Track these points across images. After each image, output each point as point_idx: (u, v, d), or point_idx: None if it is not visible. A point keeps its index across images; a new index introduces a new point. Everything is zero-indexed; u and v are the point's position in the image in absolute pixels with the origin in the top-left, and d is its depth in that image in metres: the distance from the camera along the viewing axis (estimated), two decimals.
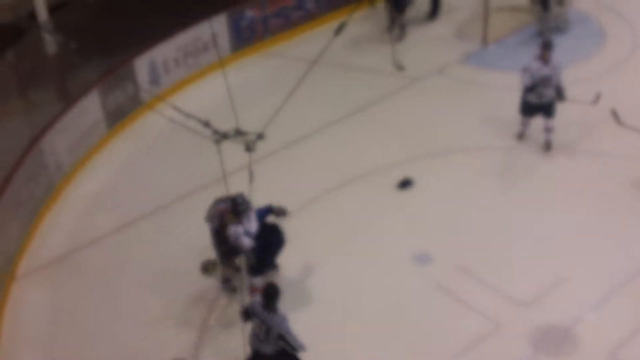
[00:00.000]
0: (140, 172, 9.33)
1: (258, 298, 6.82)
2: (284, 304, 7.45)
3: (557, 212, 9.41)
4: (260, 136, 5.47)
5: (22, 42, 10.64)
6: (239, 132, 5.35)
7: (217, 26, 13.23)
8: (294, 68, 12.84)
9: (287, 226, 9.25)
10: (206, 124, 5.58)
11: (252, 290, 7.93)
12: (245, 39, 13.82)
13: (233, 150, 5.69)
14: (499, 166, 9.28)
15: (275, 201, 8.74)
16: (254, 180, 5.57)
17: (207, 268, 8.10)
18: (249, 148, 5.40)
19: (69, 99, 11.25)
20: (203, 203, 7.97)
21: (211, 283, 8.27)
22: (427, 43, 13.91)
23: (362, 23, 14.58)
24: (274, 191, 9.41)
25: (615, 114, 9.70)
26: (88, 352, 8.05)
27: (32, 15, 10.80)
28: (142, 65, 12.08)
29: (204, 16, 12.84)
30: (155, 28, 12.71)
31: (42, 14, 11.25)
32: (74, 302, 8.86)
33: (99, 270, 9.09)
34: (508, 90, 11.48)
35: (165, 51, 12.53)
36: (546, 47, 10.13)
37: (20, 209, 9.57)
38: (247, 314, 6.78)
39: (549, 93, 10.22)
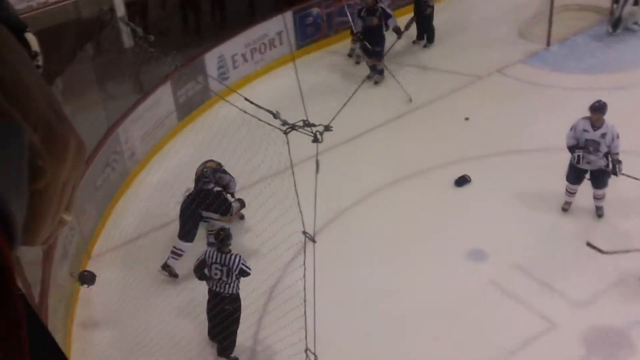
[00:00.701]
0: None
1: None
2: (341, 297, 7.77)
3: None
4: (327, 128, 5.74)
5: (101, 35, 11.17)
6: (307, 124, 5.65)
7: (284, 23, 13.62)
8: (358, 65, 13.22)
9: (346, 219, 9.57)
10: (276, 115, 5.90)
11: (174, 253, 9.10)
12: (309, 36, 14.17)
13: (298, 142, 5.98)
14: (559, 168, 9.28)
15: (336, 192, 9.05)
16: (319, 171, 5.85)
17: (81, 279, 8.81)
18: (316, 139, 5.67)
19: (143, 91, 11.85)
20: (269, 192, 8.32)
21: (276, 269, 8.60)
22: (489, 42, 13.86)
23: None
24: (336, 183, 9.72)
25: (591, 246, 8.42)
26: (151, 332, 8.50)
27: (112, 10, 11.34)
28: (212, 60, 12.58)
29: (271, 14, 13.27)
30: (226, 24, 13.21)
31: (120, 8, 11.83)
32: (141, 282, 9.36)
33: (165, 254, 9.53)
34: (571, 91, 11.44)
35: (234, 47, 13.00)
36: (594, 110, 8.84)
37: (97, 193, 10.17)
38: (203, 265, 7.80)
39: (597, 161, 8.92)
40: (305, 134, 5.76)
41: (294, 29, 13.87)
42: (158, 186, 10.91)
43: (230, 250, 7.79)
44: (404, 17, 13.57)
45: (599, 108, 8.80)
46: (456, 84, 12.60)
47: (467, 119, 11.20)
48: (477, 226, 9.48)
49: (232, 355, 8.17)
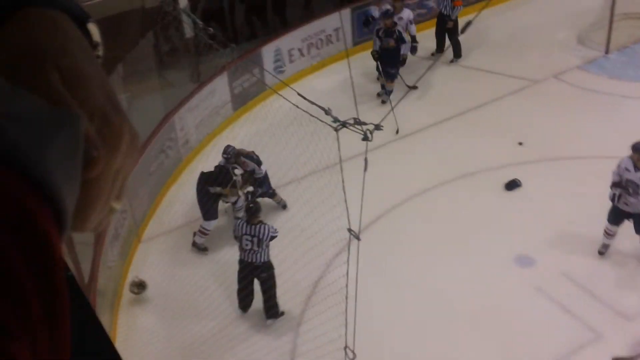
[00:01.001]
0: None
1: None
2: (384, 296, 7.81)
3: None
4: (378, 127, 5.79)
5: (163, 25, 11.42)
6: (358, 122, 5.71)
7: (342, 20, 13.69)
8: (413, 64, 13.20)
9: (392, 218, 9.58)
10: (327, 111, 5.98)
11: (200, 231, 9.60)
12: (366, 33, 14.19)
13: (348, 139, 6.05)
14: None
15: (383, 191, 9.07)
16: (367, 169, 5.91)
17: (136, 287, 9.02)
18: (366, 137, 5.73)
19: (200, 80, 12.07)
20: (317, 187, 8.41)
21: (320, 264, 8.69)
22: (546, 47, 13.72)
23: (486, 22, 14.57)
24: (384, 181, 9.75)
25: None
26: (196, 318, 8.71)
27: (175, 0, 11.56)
28: (269, 53, 12.73)
29: (329, 10, 13.35)
30: (284, 19, 13.34)
31: (182, 0, 12.07)
32: (188, 266, 9.57)
33: (213, 241, 9.68)
34: (629, 100, 11.25)
35: (291, 41, 13.13)
36: (635, 150, 8.28)
37: (150, 178, 10.41)
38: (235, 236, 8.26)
39: (637, 204, 8.39)
40: (355, 131, 5.82)
41: (351, 26, 13.92)
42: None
43: (259, 222, 8.22)
44: (426, 31, 13.60)
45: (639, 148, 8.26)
46: (511, 87, 12.53)
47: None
48: (525, 231, 9.40)
49: (280, 311, 8.55)
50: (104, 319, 8.29)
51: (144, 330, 8.78)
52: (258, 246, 8.19)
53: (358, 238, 6.10)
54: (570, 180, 10.16)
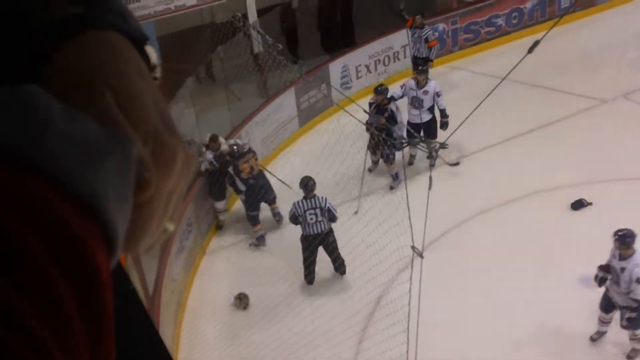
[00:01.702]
0: (325, 169, 9.94)
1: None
2: (447, 314, 7.76)
3: None
4: (443, 145, 5.81)
5: (233, 40, 11.65)
6: (423, 140, 5.74)
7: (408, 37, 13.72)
8: (479, 82, 13.11)
9: (455, 236, 9.51)
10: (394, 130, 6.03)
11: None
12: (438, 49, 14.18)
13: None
14: None
15: (447, 209, 9.01)
16: (431, 187, 5.92)
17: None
18: (431, 156, 5.75)
19: (268, 95, 12.25)
20: (382, 204, 8.40)
21: (384, 280, 8.68)
22: (617, 66, 13.49)
23: (555, 41, 14.38)
24: (449, 198, 9.70)
25: None
26: (258, 332, 8.81)
27: (245, 16, 11.79)
28: (336, 69, 12.85)
29: (397, 27, 13.39)
30: (352, 36, 13.45)
31: (253, 15, 12.30)
32: (250, 278, 9.68)
33: (273, 255, 9.77)
34: None
35: (358, 57, 13.23)
36: (615, 239, 7.67)
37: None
38: (295, 218, 8.97)
39: (620, 296, 7.69)
40: (421, 149, 5.84)
41: None
42: (276, 189, 11.20)
43: (315, 195, 8.97)
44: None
45: (618, 238, 7.60)
46: (580, 106, 12.36)
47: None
48: (590, 251, 9.13)
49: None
50: (168, 331, 8.46)
51: (207, 343, 8.91)
52: (322, 216, 8.93)
53: (421, 256, 6.10)
54: (638, 201, 9.91)
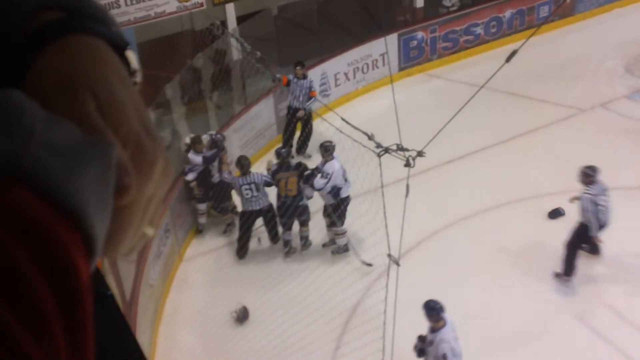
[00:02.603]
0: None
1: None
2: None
3: None
4: (420, 153, 5.82)
5: (212, 47, 11.62)
6: (400, 148, 5.75)
7: (388, 45, 13.71)
8: (458, 90, 13.16)
9: (431, 244, 9.50)
10: (370, 137, 6.03)
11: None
12: (412, 58, 14.26)
13: (391, 164, 6.07)
14: None
15: (424, 217, 9.01)
16: (408, 194, 5.93)
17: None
18: (408, 164, 5.77)
19: (246, 102, 12.24)
20: (358, 212, 8.41)
21: (360, 288, 8.68)
22: (595, 75, 13.57)
23: (534, 50, 14.47)
24: (426, 207, 9.71)
25: None
26: (235, 338, 8.76)
27: (224, 23, 11.77)
28: (314, 76, 12.84)
29: (376, 35, 13.44)
30: (330, 43, 13.47)
31: (232, 22, 12.28)
32: (228, 286, 9.61)
33: (255, 263, 9.72)
34: None
35: (337, 65, 13.25)
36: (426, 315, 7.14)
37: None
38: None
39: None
40: (398, 157, 5.86)
41: (397, 51, 13.99)
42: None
43: (250, 172, 9.45)
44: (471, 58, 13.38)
45: (425, 311, 7.12)
46: (558, 115, 12.42)
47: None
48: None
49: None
50: (145, 337, 8.40)
51: (184, 349, 8.86)
52: (257, 191, 9.42)
53: (397, 264, 6.10)
54: (615, 211, 9.95)
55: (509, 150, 11.66)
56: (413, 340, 7.82)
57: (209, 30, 11.13)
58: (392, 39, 13.86)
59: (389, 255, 6.15)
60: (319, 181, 9.12)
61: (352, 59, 13.42)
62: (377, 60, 13.62)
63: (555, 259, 9.25)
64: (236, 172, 9.89)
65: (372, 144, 6.10)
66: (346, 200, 9.26)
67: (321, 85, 12.97)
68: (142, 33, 11.59)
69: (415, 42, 14.19)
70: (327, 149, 9.14)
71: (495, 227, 9.98)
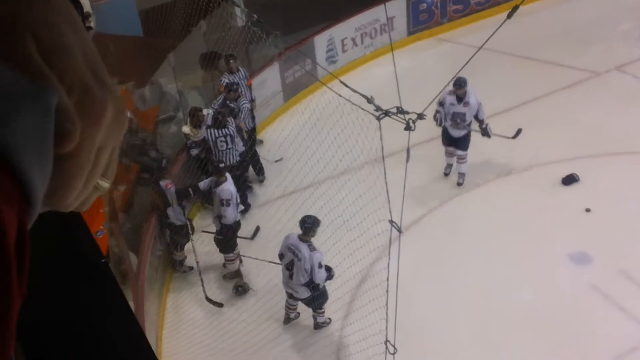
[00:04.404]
0: (306, 145, 9.71)
1: None
2: (429, 292, 7.57)
3: None
4: (421, 116, 5.60)
5: (214, 14, 11.39)
6: (400, 111, 5.54)
7: (397, 9, 13.49)
8: (468, 55, 12.83)
9: (441, 213, 9.32)
10: (370, 100, 5.82)
11: None
12: (422, 22, 13.96)
13: (395, 132, 5.85)
14: None
15: (434, 186, 8.79)
16: (409, 160, 5.73)
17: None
18: (408, 126, 5.55)
19: (251, 71, 12.01)
20: (359, 178, 8.19)
21: (364, 256, 8.52)
22: (610, 38, 13.27)
23: (547, 12, 14.15)
24: (433, 175, 9.51)
25: None
26: (240, 309, 8.67)
27: None
28: (321, 42, 12.61)
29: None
30: (337, 8, 13.17)
31: None
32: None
33: (264, 239, 9.57)
34: None
35: (344, 30, 12.98)
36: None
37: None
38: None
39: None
40: (398, 120, 5.64)
41: (406, 15, 13.69)
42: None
43: (226, 125, 9.60)
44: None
45: None
46: (572, 79, 12.16)
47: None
48: (582, 227, 9.13)
49: None
50: (152, 307, 8.34)
51: (191, 321, 8.77)
52: (232, 143, 9.60)
53: (399, 230, 5.91)
54: (630, 176, 9.82)
55: (523, 116, 11.37)
56: (420, 310, 7.71)
57: None
58: (401, 2, 13.59)
59: (391, 222, 5.95)
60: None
61: (360, 23, 13.14)
62: (385, 25, 13.33)
63: (569, 226, 9.05)
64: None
65: (371, 108, 5.87)
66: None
67: (328, 51, 12.73)
68: (143, 1, 11.38)
69: (424, 5, 13.89)
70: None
71: (509, 194, 9.83)
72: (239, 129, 10.00)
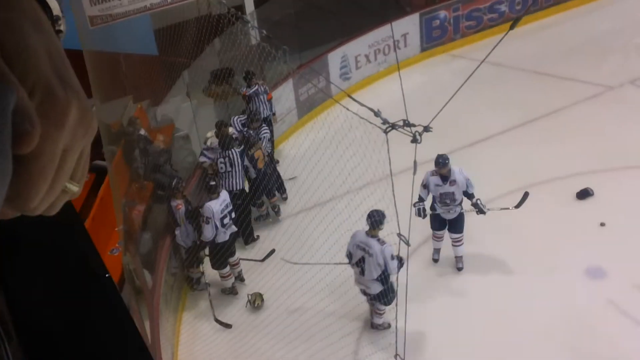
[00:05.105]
0: (319, 162, 9.73)
1: None
2: (440, 305, 7.51)
3: None
4: (427, 129, 5.64)
5: (228, 32, 11.50)
6: (407, 124, 5.58)
7: (410, 25, 13.53)
8: (482, 70, 12.80)
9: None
10: (377, 113, 5.85)
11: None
12: (435, 38, 13.99)
13: (405, 146, 5.84)
14: None
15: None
16: (416, 172, 5.75)
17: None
18: (415, 139, 5.59)
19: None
20: (367, 198, 8.17)
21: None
22: (624, 52, 13.22)
23: (562, 27, 14.13)
24: None
25: None
26: (258, 327, 8.66)
27: (240, 8, 11.63)
28: (335, 59, 12.68)
29: (398, 15, 13.19)
30: (350, 25, 13.26)
31: (249, 7, 12.14)
32: (249, 275, 9.51)
33: (280, 250, 9.56)
34: None
35: (357, 47, 13.05)
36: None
37: None
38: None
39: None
40: (404, 133, 5.67)
41: (419, 32, 13.74)
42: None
43: (233, 147, 9.51)
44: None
45: None
46: (586, 93, 12.10)
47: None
48: (597, 242, 9.04)
49: None
50: (167, 325, 8.37)
51: (206, 338, 8.79)
52: (231, 166, 9.42)
53: (407, 243, 5.92)
54: None
55: (537, 130, 11.39)
56: (430, 323, 7.67)
57: (225, 16, 11.00)
58: (414, 18, 13.62)
59: (399, 235, 5.97)
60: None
61: (373, 40, 13.19)
62: (398, 41, 13.38)
63: (584, 241, 8.98)
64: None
65: (379, 121, 5.90)
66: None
67: (342, 68, 12.79)
68: (159, 20, 11.51)
69: (437, 22, 13.92)
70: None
71: (522, 208, 9.68)
72: (252, 158, 9.84)
